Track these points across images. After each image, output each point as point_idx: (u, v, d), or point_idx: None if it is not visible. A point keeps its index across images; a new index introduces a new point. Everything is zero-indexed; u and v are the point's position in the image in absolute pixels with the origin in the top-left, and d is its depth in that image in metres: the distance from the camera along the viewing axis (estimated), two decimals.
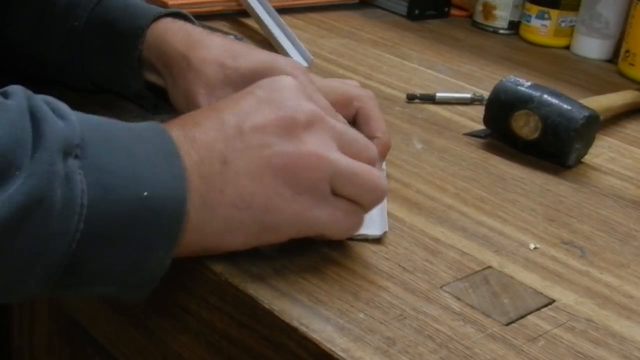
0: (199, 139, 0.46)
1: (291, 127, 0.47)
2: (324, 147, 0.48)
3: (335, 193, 0.48)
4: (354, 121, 0.60)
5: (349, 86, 0.62)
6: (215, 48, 0.61)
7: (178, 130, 0.46)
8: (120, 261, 0.43)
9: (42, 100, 0.43)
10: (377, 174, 0.50)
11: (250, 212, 0.46)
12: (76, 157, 0.41)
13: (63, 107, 0.44)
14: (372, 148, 0.51)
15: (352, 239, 0.53)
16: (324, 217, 0.48)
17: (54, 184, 0.40)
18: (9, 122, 0.40)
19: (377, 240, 0.53)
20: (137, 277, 0.44)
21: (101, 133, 0.44)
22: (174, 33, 0.62)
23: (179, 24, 0.64)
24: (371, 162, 0.51)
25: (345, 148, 0.49)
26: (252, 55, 0.60)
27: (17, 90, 0.43)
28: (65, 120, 0.42)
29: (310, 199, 0.47)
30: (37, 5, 0.68)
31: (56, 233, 0.40)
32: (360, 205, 0.50)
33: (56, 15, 0.67)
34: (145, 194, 0.42)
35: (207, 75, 0.59)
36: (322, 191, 0.48)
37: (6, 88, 0.43)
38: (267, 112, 0.48)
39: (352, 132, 0.51)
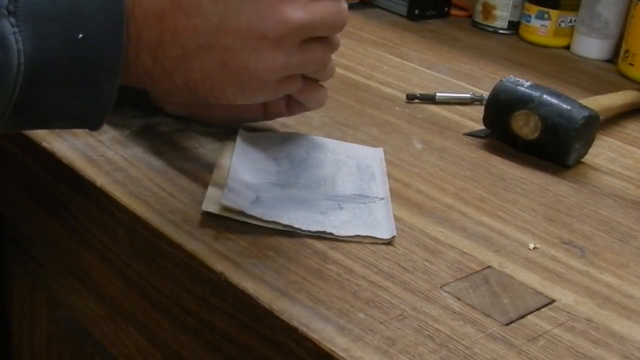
0: (167, 17, 0.47)
1: (258, 42, 0.49)
2: (284, 59, 0.50)
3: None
4: None
5: None
6: None
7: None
8: (67, 99, 0.45)
9: None
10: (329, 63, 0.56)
11: (190, 94, 0.50)
12: (9, 13, 0.42)
13: None
14: (342, 18, 0.54)
15: (360, 241, 0.53)
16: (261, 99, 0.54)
17: None
18: None
19: (377, 241, 0.53)
20: (88, 111, 0.47)
21: None
22: None
23: None
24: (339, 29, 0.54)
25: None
26: None
27: None
28: None
29: (255, 96, 0.52)
30: None
31: None
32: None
33: None
34: (80, 36, 0.44)
35: None
36: (269, 88, 0.52)
37: None
38: (245, 16, 0.48)
39: (324, 22, 0.52)
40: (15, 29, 0.42)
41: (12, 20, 0.42)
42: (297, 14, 0.49)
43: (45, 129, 0.50)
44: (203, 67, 0.48)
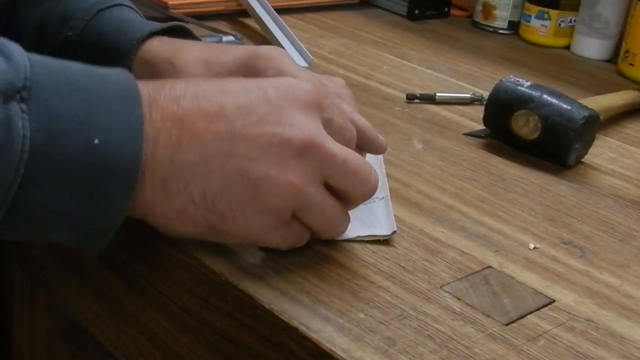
0: (187, 121, 0.45)
1: (282, 150, 0.46)
2: (306, 179, 0.46)
3: (295, 216, 0.48)
4: None
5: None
6: (197, 50, 0.62)
7: (167, 97, 0.45)
8: (69, 208, 0.42)
9: None
10: (342, 217, 0.50)
11: (206, 213, 0.46)
12: (21, 99, 0.40)
13: (13, 47, 0.42)
14: (370, 181, 0.49)
15: (361, 240, 0.53)
16: (274, 239, 0.48)
17: None
18: None
19: (377, 240, 0.53)
20: (91, 226, 0.44)
21: (56, 75, 0.43)
22: (158, 43, 0.63)
23: (167, 38, 0.64)
24: (364, 196, 0.50)
25: (337, 179, 0.48)
26: (234, 49, 0.61)
27: None
28: (10, 61, 0.41)
29: (269, 222, 0.47)
30: (38, 16, 0.68)
31: None
32: (315, 231, 0.50)
33: (52, 25, 0.67)
34: (96, 141, 0.41)
35: (194, 75, 0.60)
36: (283, 217, 0.47)
37: None
38: (267, 123, 0.46)
39: (352, 163, 0.48)
40: (25, 115, 0.40)
41: (23, 106, 0.40)
42: (321, 134, 0.47)
43: (41, 240, 0.45)
44: (223, 174, 0.45)
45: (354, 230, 0.53)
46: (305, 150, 0.46)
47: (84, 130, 0.41)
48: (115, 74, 0.45)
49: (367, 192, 0.50)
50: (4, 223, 0.42)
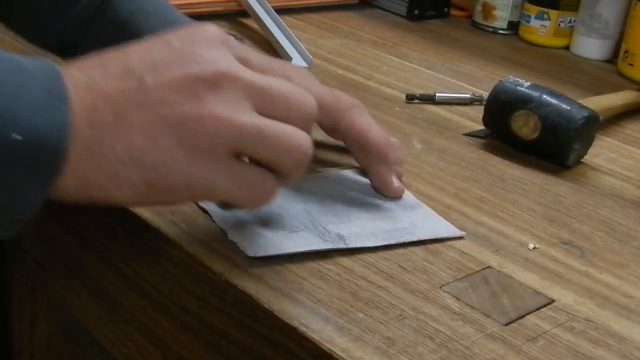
0: (97, 85, 0.44)
1: (195, 87, 0.44)
2: (229, 109, 0.45)
3: (248, 157, 0.46)
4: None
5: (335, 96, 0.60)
6: None
7: (76, 71, 0.44)
8: None
9: None
10: (293, 133, 0.46)
11: (138, 170, 0.44)
12: None
13: None
14: (305, 101, 0.47)
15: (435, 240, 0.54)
16: (222, 183, 0.45)
17: None
18: None
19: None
20: (2, 217, 0.42)
21: None
22: None
23: None
24: (305, 117, 0.47)
25: (267, 106, 0.46)
26: None
27: None
28: None
29: (208, 163, 0.45)
30: None
31: None
32: (277, 169, 0.47)
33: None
34: (18, 137, 0.40)
35: None
36: (220, 155, 0.45)
37: None
38: (175, 67, 0.45)
39: (279, 88, 0.46)
40: None
41: None
42: (235, 66, 0.46)
43: None
44: (143, 127, 0.44)
45: (414, 232, 0.54)
46: (220, 82, 0.45)
47: (3, 124, 0.40)
48: (40, 68, 0.43)
49: (306, 115, 0.47)
50: None
